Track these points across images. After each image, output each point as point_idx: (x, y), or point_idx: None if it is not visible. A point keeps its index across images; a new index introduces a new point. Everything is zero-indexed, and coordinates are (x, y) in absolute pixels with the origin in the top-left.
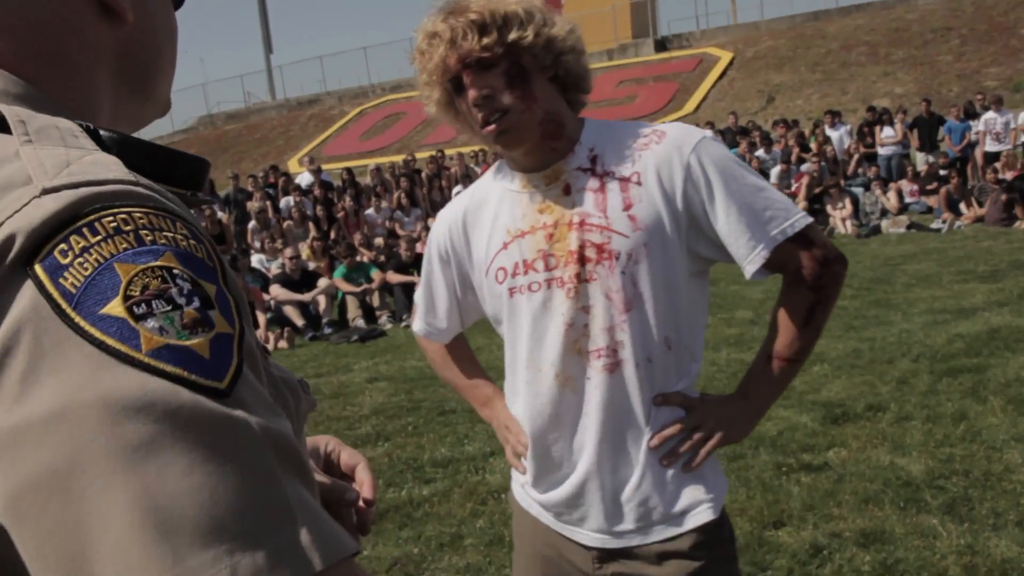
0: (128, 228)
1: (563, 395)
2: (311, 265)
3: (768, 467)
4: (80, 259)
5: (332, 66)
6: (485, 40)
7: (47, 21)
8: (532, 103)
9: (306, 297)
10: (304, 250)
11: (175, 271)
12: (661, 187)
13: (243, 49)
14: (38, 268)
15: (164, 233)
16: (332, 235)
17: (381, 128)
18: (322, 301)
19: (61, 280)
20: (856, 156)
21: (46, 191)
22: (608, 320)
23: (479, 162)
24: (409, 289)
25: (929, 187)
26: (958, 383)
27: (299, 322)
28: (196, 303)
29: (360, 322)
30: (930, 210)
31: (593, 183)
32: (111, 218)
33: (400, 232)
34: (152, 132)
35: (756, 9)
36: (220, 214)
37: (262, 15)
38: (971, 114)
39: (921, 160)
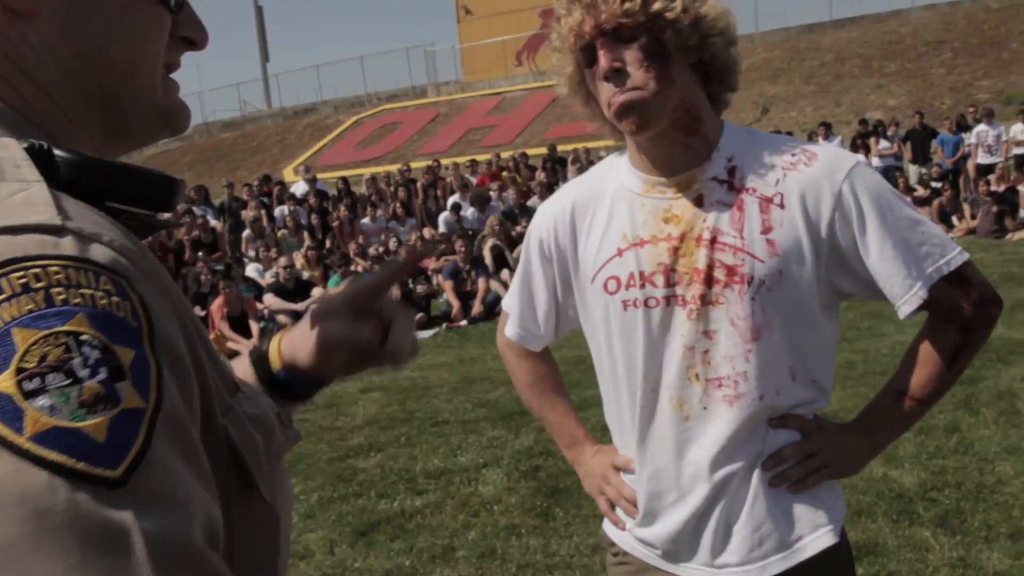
0: (39, 285)
1: (676, 420)
2: (305, 274)
3: None
4: None
5: (328, 75)
6: (627, 5)
7: None
8: (668, 86)
9: (300, 306)
10: (298, 259)
11: (83, 337)
12: (805, 213)
13: (240, 58)
14: None
15: (81, 291)
16: (327, 244)
17: (377, 137)
18: None
19: None
20: None
21: None
22: (732, 348)
23: (474, 172)
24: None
25: (921, 197)
26: (950, 395)
27: None
28: (102, 375)
29: None
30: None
31: (730, 198)
32: (21, 273)
33: (396, 244)
34: None
35: (751, 21)
36: (213, 222)
37: (259, 24)
38: (963, 127)
39: (914, 172)
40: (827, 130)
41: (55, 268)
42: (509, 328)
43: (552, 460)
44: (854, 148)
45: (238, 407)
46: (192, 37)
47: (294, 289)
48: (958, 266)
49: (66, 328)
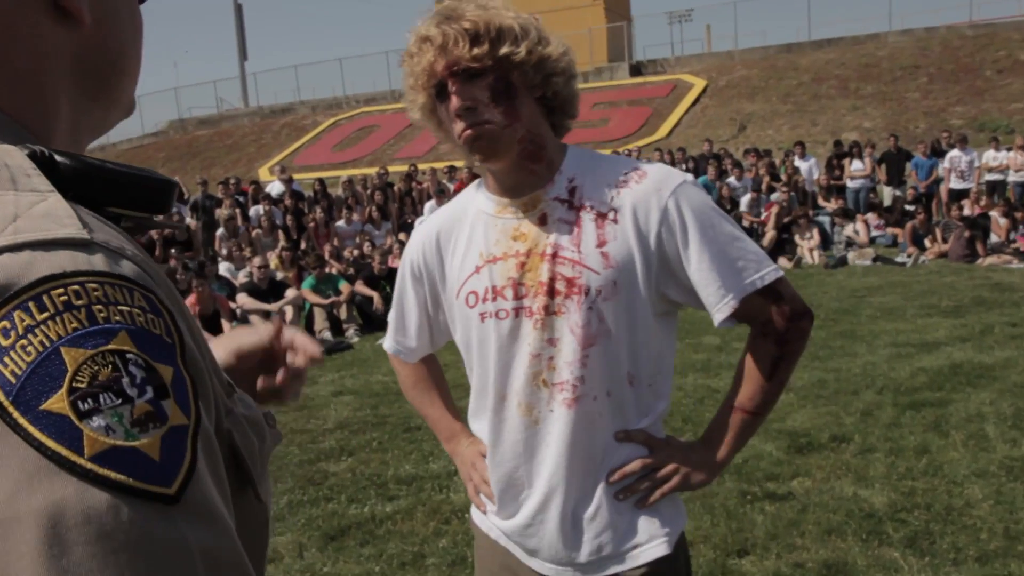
0: (80, 303)
1: (525, 424)
2: (279, 275)
3: (733, 495)
4: (23, 341)
5: (307, 76)
6: (476, 50)
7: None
8: (514, 120)
9: (273, 307)
10: (272, 259)
11: (129, 355)
12: (636, 227)
13: (218, 55)
14: None
15: (120, 308)
16: (302, 245)
17: (354, 140)
18: (289, 312)
19: (0, 367)
20: (824, 187)
21: None
22: (571, 354)
23: (452, 178)
24: (372, 303)
25: (895, 220)
26: (921, 416)
27: None
28: (149, 394)
29: (327, 334)
30: (895, 243)
31: (570, 215)
32: (61, 291)
33: (370, 248)
34: (121, 134)
35: (730, 39)
36: (188, 220)
37: (238, 22)
38: (937, 151)
39: (888, 194)
40: (802, 149)
41: (93, 285)
42: (387, 342)
43: None
44: (829, 168)
45: (236, 409)
46: None
47: (268, 289)
48: (771, 282)
49: (111, 347)
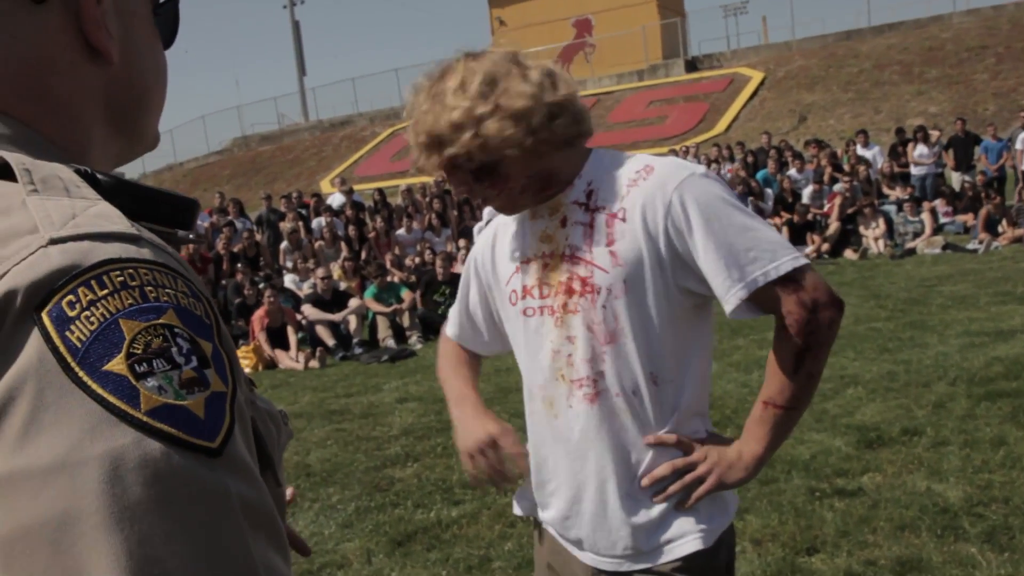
0: (134, 284)
1: (549, 419)
2: (342, 285)
3: (801, 492)
4: (87, 312)
5: (364, 88)
6: (434, 159)
7: (35, 61)
8: (503, 186)
9: (337, 317)
10: (335, 270)
11: (176, 329)
12: (645, 225)
13: (277, 72)
14: (45, 318)
15: (167, 290)
16: (363, 255)
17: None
18: (353, 321)
19: (67, 333)
20: (888, 175)
21: (53, 241)
22: (590, 351)
23: None
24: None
25: (964, 206)
26: (997, 407)
27: (330, 342)
28: (194, 363)
29: (390, 342)
30: (966, 231)
31: (585, 217)
32: (118, 272)
33: (431, 255)
34: (188, 153)
35: (787, 29)
36: (257, 235)
37: (296, 39)
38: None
39: (957, 179)
40: (865, 138)
41: (144, 270)
42: (451, 328)
43: None
44: (893, 155)
45: (256, 401)
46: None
47: (331, 300)
48: (788, 271)
49: (162, 321)
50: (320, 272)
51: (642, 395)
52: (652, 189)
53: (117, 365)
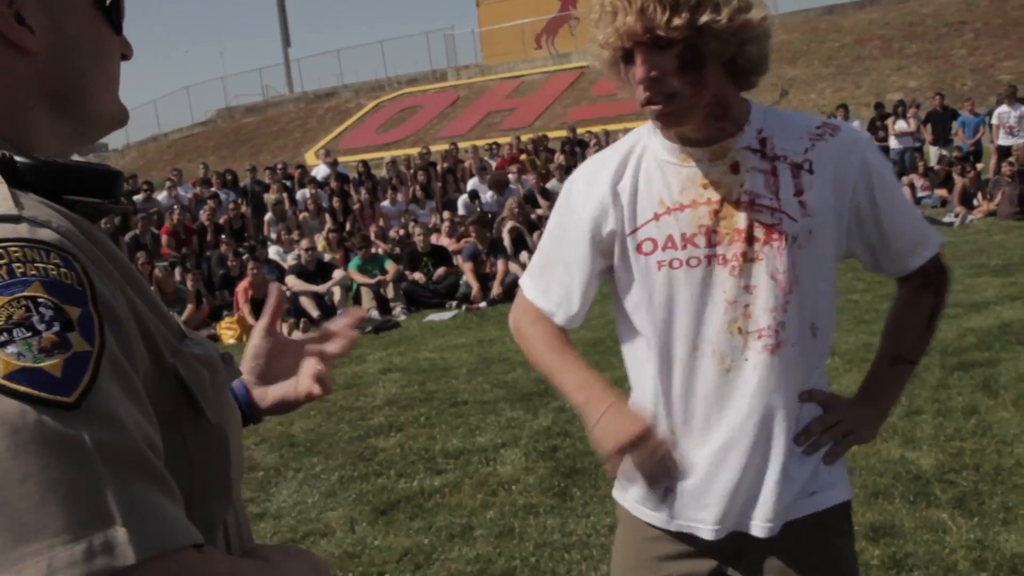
0: (2, 262)
1: (719, 372)
2: (326, 256)
3: None
4: None
5: (349, 59)
6: (675, 21)
7: None
8: (702, 89)
9: (321, 288)
10: (319, 242)
11: (40, 299)
12: (836, 179)
13: (262, 43)
14: None
15: (36, 264)
16: (347, 227)
17: (397, 121)
18: (337, 292)
19: None
20: None
21: None
22: (772, 301)
23: (494, 155)
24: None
25: (941, 180)
26: (969, 377)
27: (314, 313)
28: (56, 327)
29: (374, 313)
30: (943, 204)
31: (763, 164)
32: None
33: (415, 226)
34: (172, 124)
35: (770, 2)
36: (242, 207)
37: (280, 9)
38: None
39: (934, 153)
40: (845, 112)
41: (14, 248)
42: (542, 301)
43: (570, 440)
44: (872, 130)
45: (186, 349)
46: (126, 53)
47: (316, 271)
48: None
49: (26, 294)
50: (304, 243)
51: (804, 344)
52: (843, 146)
53: None
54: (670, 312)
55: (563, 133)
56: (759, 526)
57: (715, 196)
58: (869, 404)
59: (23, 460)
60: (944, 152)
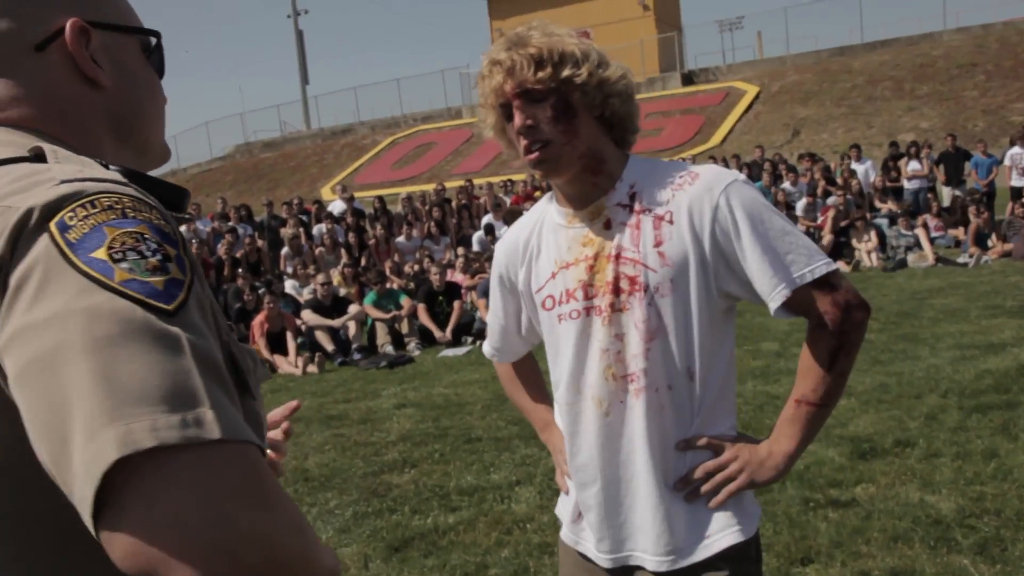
0: (118, 206)
1: (598, 416)
2: (342, 291)
3: (795, 502)
4: (81, 222)
5: (366, 97)
6: (540, 74)
7: (52, 93)
8: (574, 138)
9: (336, 323)
10: (335, 276)
11: (146, 236)
12: (691, 226)
13: (280, 80)
14: (52, 225)
15: (142, 213)
16: (363, 262)
17: (412, 157)
18: (352, 327)
19: (67, 234)
20: (880, 189)
21: (63, 181)
22: (636, 347)
23: (508, 192)
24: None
25: (955, 220)
26: (988, 420)
27: (329, 347)
28: (158, 257)
29: (389, 348)
30: (957, 244)
31: (630, 218)
32: (107, 198)
33: (430, 263)
34: (191, 159)
35: (782, 44)
36: (259, 242)
37: (299, 47)
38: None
39: (947, 194)
40: (858, 152)
41: (127, 199)
42: (485, 347)
43: None
44: (884, 171)
45: (234, 340)
46: (164, 99)
47: (331, 306)
48: (824, 273)
49: (135, 229)
50: (320, 278)
51: (680, 389)
52: (699, 192)
53: (100, 253)
54: (560, 360)
55: None
56: (650, 560)
57: (591, 252)
58: (768, 444)
59: (132, 344)
60: (957, 192)
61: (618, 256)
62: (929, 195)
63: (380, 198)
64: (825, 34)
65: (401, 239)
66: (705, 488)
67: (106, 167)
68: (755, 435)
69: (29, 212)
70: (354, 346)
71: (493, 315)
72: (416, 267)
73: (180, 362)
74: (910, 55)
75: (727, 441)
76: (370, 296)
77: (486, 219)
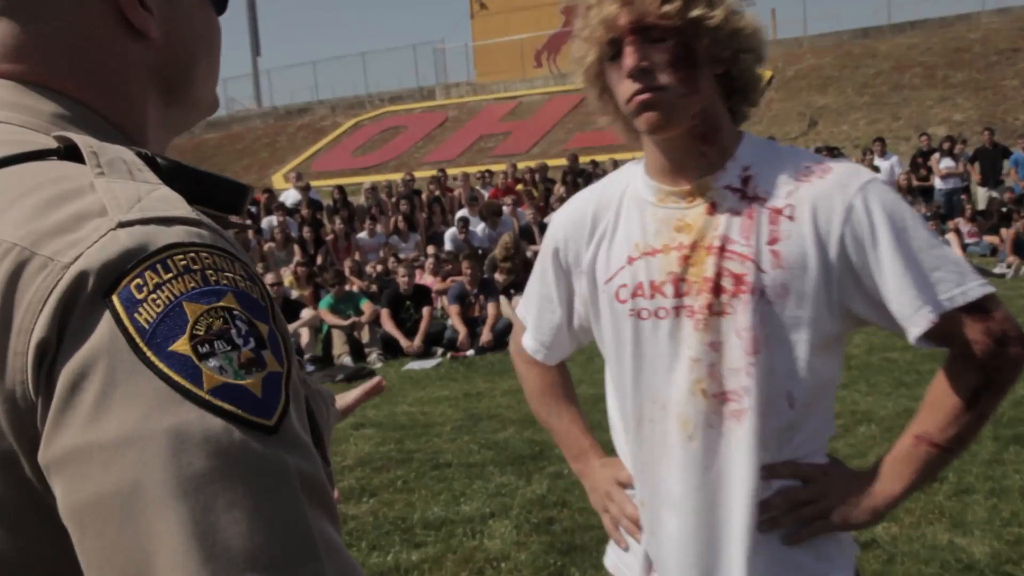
0: (196, 268)
1: (682, 439)
2: (294, 293)
3: None
4: (153, 295)
5: (326, 73)
6: (666, 7)
7: (82, 44)
8: (693, 91)
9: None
10: (287, 276)
11: (235, 312)
12: (815, 227)
13: (227, 51)
14: (116, 300)
15: (225, 274)
16: (319, 260)
17: (378, 143)
18: (304, 334)
19: (136, 315)
20: (906, 189)
21: (121, 224)
22: (736, 360)
23: (486, 184)
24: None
25: (991, 225)
26: None
27: None
28: (252, 344)
29: (347, 359)
30: (993, 252)
31: (742, 206)
32: (181, 256)
33: (395, 262)
34: None
35: (799, 23)
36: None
37: (250, 14)
38: None
39: (983, 196)
40: (882, 146)
41: (205, 254)
42: (526, 340)
43: (567, 512)
44: (914, 168)
45: (308, 381)
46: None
47: (282, 309)
48: (977, 298)
49: (222, 304)
50: (270, 278)
51: (777, 417)
52: (829, 188)
53: (181, 346)
54: (637, 366)
55: (564, 162)
56: None
57: (687, 240)
58: (867, 483)
59: (230, 483)
60: (994, 194)
61: (723, 249)
62: (963, 196)
63: (340, 188)
64: (847, 13)
65: (363, 235)
66: (788, 520)
67: (154, 161)
68: None
69: (82, 278)
70: (307, 356)
71: (538, 300)
72: (380, 267)
73: (289, 504)
74: (943, 38)
75: (820, 471)
76: (326, 299)
77: (460, 214)
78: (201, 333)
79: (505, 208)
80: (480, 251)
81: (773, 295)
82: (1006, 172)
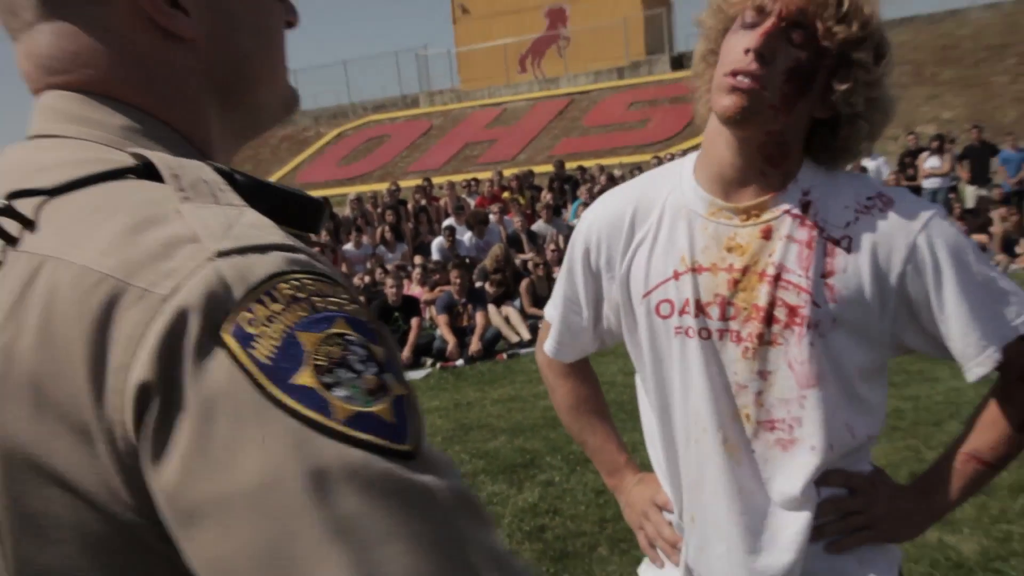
0: (302, 296)
1: (729, 464)
2: None
3: None
4: (265, 328)
5: (308, 81)
6: (834, 25)
7: (129, 49)
8: (785, 109)
9: None
10: None
11: (348, 337)
12: (874, 262)
13: None
14: (228, 337)
15: (331, 299)
16: None
17: (362, 152)
18: None
19: (252, 351)
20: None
21: (220, 254)
22: (787, 391)
23: (472, 193)
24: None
25: (979, 224)
26: None
27: None
28: (373, 368)
29: None
30: (983, 250)
31: (801, 234)
32: (286, 285)
33: (383, 274)
34: None
35: None
36: None
37: None
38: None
39: (971, 194)
40: (869, 146)
41: (307, 280)
42: (549, 343)
43: (559, 519)
44: (902, 167)
45: None
46: (291, 20)
47: None
48: None
49: (335, 330)
50: None
51: (839, 449)
52: (891, 224)
53: (305, 378)
54: (682, 385)
55: (550, 168)
56: None
57: (738, 263)
58: (914, 496)
59: (384, 517)
60: (983, 192)
61: (778, 277)
62: (951, 195)
63: (326, 199)
64: None
65: (349, 246)
66: (836, 529)
67: (232, 177)
68: None
69: (184, 315)
70: None
71: (564, 302)
72: (367, 278)
73: (443, 524)
74: (931, 35)
75: (867, 481)
76: None
77: (447, 223)
78: (323, 363)
79: (492, 216)
80: (467, 260)
81: (827, 328)
82: (994, 170)
